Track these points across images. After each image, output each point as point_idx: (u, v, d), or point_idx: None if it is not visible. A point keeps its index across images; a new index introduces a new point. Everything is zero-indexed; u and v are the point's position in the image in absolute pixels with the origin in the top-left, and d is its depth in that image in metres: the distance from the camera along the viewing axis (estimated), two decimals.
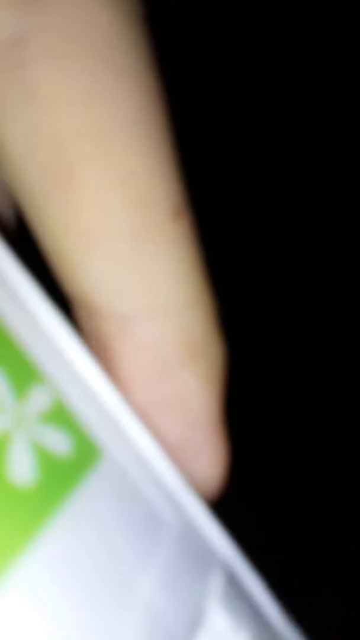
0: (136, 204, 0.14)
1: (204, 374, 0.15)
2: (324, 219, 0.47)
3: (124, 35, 0.13)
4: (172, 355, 0.14)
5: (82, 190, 0.13)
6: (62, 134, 0.13)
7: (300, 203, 0.47)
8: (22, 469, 0.12)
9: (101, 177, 0.13)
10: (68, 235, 0.14)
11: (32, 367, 0.13)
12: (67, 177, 0.13)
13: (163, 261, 0.14)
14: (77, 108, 0.13)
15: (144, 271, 0.14)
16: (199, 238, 0.14)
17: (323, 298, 0.47)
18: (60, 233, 0.14)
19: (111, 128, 0.13)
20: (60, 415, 0.13)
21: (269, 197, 0.47)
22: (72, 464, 0.13)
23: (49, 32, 0.13)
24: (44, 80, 0.13)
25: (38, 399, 0.13)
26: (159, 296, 0.14)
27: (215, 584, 0.14)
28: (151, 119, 0.14)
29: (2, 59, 0.13)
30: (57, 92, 0.13)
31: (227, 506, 0.17)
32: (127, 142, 0.13)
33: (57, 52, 0.13)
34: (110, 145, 0.13)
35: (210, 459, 0.15)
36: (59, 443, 0.13)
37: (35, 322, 0.14)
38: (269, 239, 0.47)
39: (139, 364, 0.14)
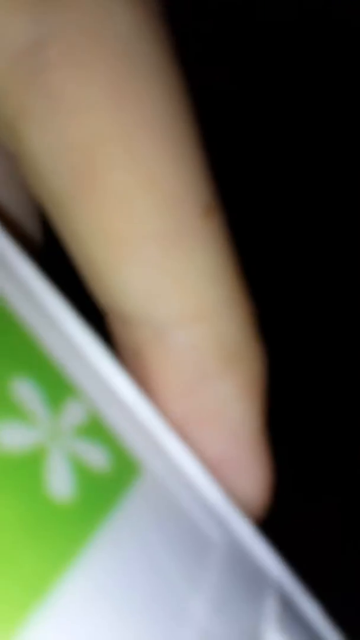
0: (166, 205, 0.13)
1: (244, 382, 0.14)
2: (328, 219, 0.47)
3: (146, 34, 0.13)
4: (210, 363, 0.14)
5: (110, 193, 0.13)
6: (88, 138, 0.13)
7: (306, 205, 0.46)
8: (60, 483, 0.11)
9: (129, 179, 0.13)
10: (98, 241, 0.13)
11: (66, 381, 0.13)
12: (95, 181, 0.13)
13: (196, 263, 0.13)
14: (102, 111, 0.13)
15: (176, 275, 0.13)
16: (231, 237, 0.14)
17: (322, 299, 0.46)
18: (89, 239, 0.13)
19: (137, 129, 0.13)
20: (97, 430, 0.13)
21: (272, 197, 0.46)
22: (111, 480, 0.12)
23: (68, 33, 0.13)
24: (66, 85, 0.13)
25: (73, 413, 0.13)
26: (193, 300, 0.13)
27: (270, 607, 0.13)
28: (177, 118, 0.13)
29: (22, 65, 0.13)
30: (81, 96, 0.13)
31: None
32: (154, 143, 0.13)
33: (78, 54, 0.13)
34: (136, 146, 0.13)
35: (253, 475, 0.14)
36: (96, 457, 0.12)
37: (67, 337, 0.14)
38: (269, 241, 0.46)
39: (175, 374, 0.14)
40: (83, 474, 0.12)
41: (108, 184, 0.13)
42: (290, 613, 0.14)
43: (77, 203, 0.13)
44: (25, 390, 0.12)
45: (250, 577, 0.13)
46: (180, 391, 0.14)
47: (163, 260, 0.13)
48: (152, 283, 0.13)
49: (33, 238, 0.16)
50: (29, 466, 0.11)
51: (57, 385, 0.13)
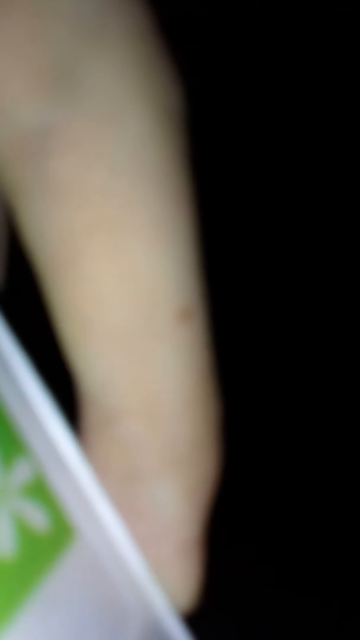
0: (138, 303, 0.14)
1: (183, 488, 0.14)
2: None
3: (156, 138, 0.13)
4: (150, 463, 0.14)
5: (84, 282, 0.13)
6: (73, 226, 0.13)
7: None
8: (3, 540, 0.12)
9: (105, 272, 0.13)
10: (67, 320, 0.14)
11: (19, 439, 0.13)
12: (71, 268, 0.13)
13: (159, 363, 0.14)
14: (93, 204, 0.13)
15: (137, 371, 0.14)
16: (211, 339, 0.14)
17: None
18: (62, 316, 0.14)
19: (124, 226, 0.13)
20: (40, 491, 0.13)
21: None
22: (49, 542, 0.13)
23: (76, 125, 0.13)
24: (63, 173, 0.13)
25: (21, 472, 0.13)
26: (147, 398, 0.14)
27: None
28: (171, 219, 0.13)
29: (27, 146, 0.13)
30: (75, 187, 0.13)
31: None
32: (139, 241, 0.13)
33: (81, 147, 0.13)
34: (119, 242, 0.13)
35: (177, 576, 0.14)
36: (38, 518, 0.13)
37: (24, 395, 0.14)
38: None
39: (113, 464, 0.14)
40: (25, 534, 0.12)
41: (86, 272, 0.13)
42: None
43: (53, 281, 0.14)
44: None
45: None
46: (115, 481, 0.14)
47: (125, 354, 0.14)
48: (110, 372, 0.14)
49: None
50: None
51: (10, 443, 0.13)
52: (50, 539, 0.13)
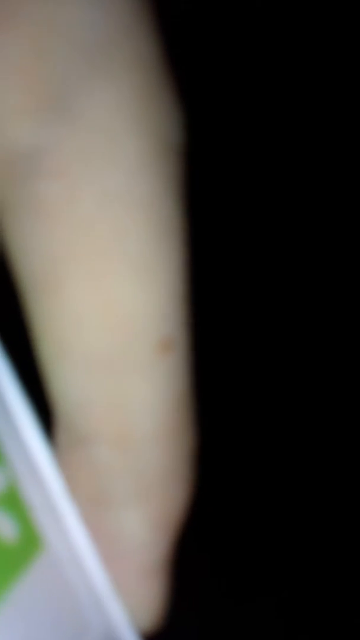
0: (118, 331, 0.13)
1: (150, 517, 0.14)
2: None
3: (149, 167, 0.13)
4: (118, 490, 0.14)
5: (64, 308, 0.13)
6: (59, 249, 0.13)
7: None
8: None
9: (87, 297, 0.13)
10: (45, 340, 0.14)
11: None
12: (54, 290, 0.13)
13: (136, 392, 0.14)
14: (79, 228, 0.13)
15: (112, 398, 0.14)
16: (191, 370, 0.14)
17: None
18: (39, 334, 0.14)
19: (110, 253, 0.13)
20: (12, 501, 0.14)
21: None
22: (16, 554, 0.13)
23: (68, 150, 0.13)
24: (51, 195, 0.13)
25: None
26: (121, 426, 0.14)
27: None
28: (160, 250, 0.13)
29: (15, 167, 0.13)
30: (62, 209, 0.13)
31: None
32: (124, 269, 0.13)
33: (69, 171, 0.13)
34: (103, 270, 0.13)
35: (139, 598, 0.14)
36: (7, 529, 0.13)
37: (2, 404, 0.14)
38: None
39: (80, 484, 0.14)
40: None
41: (68, 295, 0.13)
42: None
43: (37, 302, 0.14)
44: None
45: None
46: (83, 502, 0.14)
47: (101, 380, 0.14)
48: (85, 397, 0.14)
49: None
50: None
51: None
52: (19, 551, 0.13)
